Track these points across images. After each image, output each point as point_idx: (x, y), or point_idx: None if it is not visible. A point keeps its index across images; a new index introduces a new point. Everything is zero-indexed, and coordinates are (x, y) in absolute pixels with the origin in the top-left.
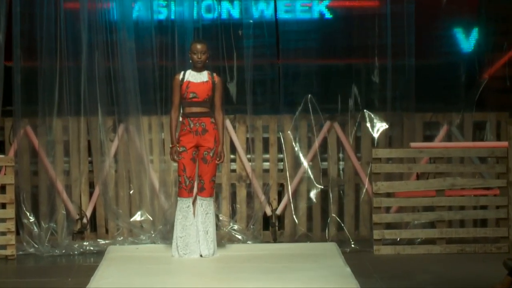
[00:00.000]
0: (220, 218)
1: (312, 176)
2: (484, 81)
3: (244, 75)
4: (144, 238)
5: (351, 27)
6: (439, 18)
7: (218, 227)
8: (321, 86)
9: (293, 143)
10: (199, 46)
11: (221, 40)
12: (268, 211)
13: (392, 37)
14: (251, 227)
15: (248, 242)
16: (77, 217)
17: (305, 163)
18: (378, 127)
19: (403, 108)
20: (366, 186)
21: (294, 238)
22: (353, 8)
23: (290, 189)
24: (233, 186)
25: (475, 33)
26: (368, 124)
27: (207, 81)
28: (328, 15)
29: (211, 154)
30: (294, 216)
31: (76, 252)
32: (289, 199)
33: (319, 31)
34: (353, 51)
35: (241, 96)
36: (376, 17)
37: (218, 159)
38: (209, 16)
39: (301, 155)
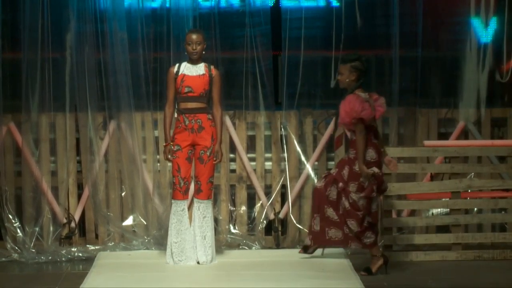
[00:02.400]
0: (219, 222)
1: (318, 177)
2: (503, 75)
3: (244, 67)
4: (136, 243)
5: (359, 15)
6: (455, 6)
7: (216, 231)
8: (328, 79)
9: (297, 141)
10: (194, 36)
11: (220, 30)
12: (271, 215)
13: (399, 26)
14: (255, 230)
15: (249, 247)
16: (65, 221)
17: (310, 162)
18: (390, 124)
19: (416, 103)
20: None
21: (299, 243)
22: None
23: (293, 191)
24: (232, 187)
25: (493, 22)
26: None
27: (203, 74)
28: (335, 3)
29: (208, 154)
30: (293, 219)
31: (63, 259)
32: (290, 202)
33: (325, 20)
34: (363, 41)
35: (241, 91)
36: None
37: (215, 158)
38: (206, 4)
39: (306, 154)
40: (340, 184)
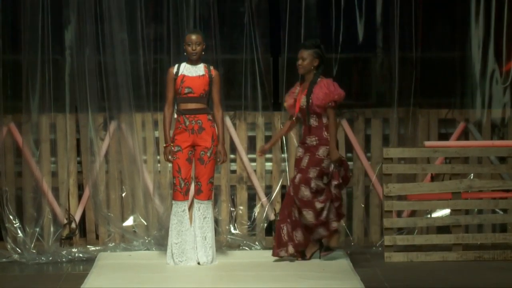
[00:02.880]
0: (219, 222)
1: None
2: (503, 77)
3: (244, 67)
4: (137, 244)
5: (359, 16)
6: (455, 6)
7: (217, 232)
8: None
9: (297, 142)
10: (193, 37)
11: (220, 31)
12: (271, 215)
13: (400, 26)
14: (256, 231)
15: (250, 247)
16: (65, 221)
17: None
18: (390, 124)
19: (416, 103)
20: (376, 188)
21: None
22: None
23: None
24: (233, 188)
25: (494, 23)
26: (379, 121)
27: (203, 75)
28: (335, 3)
29: (208, 154)
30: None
31: (64, 259)
32: None
33: (325, 20)
34: (363, 41)
35: (240, 91)
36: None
37: (218, 159)
38: (207, 4)
39: None
40: (298, 176)
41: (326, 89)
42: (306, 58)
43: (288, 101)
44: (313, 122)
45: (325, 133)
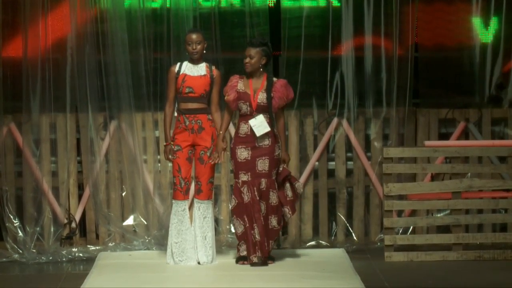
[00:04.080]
0: (219, 222)
1: (318, 177)
2: (504, 75)
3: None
4: (137, 243)
5: (359, 14)
6: (455, 5)
7: (217, 232)
8: (328, 80)
9: (297, 142)
10: (194, 36)
11: (220, 30)
12: None
13: (399, 25)
14: None
15: None
16: (65, 221)
17: (310, 163)
18: (390, 124)
19: (416, 103)
20: (376, 188)
21: (299, 244)
22: None
23: None
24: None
25: (495, 22)
26: (380, 121)
27: (204, 75)
28: (335, 3)
29: (208, 154)
30: (294, 219)
31: (64, 259)
32: None
33: (325, 19)
34: (363, 40)
35: None
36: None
37: (213, 158)
38: (207, 3)
39: (306, 154)
40: (264, 181)
41: (285, 90)
42: (254, 56)
43: (230, 94)
44: (266, 119)
45: (275, 129)
